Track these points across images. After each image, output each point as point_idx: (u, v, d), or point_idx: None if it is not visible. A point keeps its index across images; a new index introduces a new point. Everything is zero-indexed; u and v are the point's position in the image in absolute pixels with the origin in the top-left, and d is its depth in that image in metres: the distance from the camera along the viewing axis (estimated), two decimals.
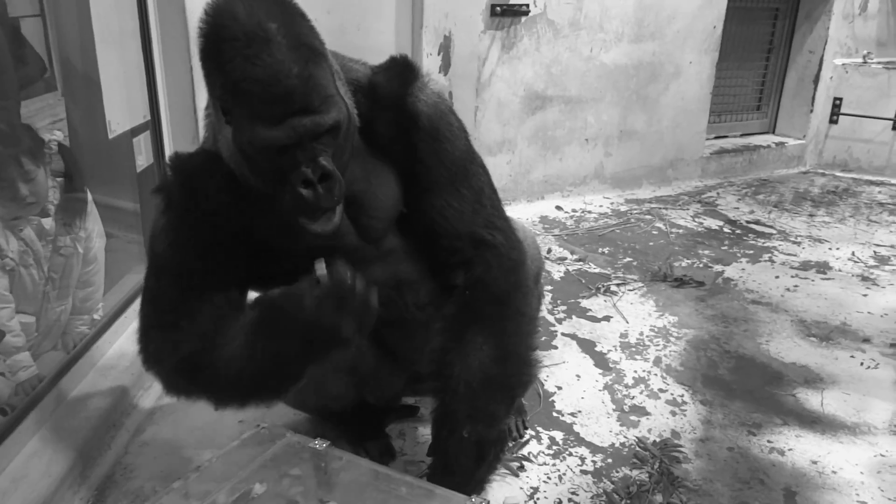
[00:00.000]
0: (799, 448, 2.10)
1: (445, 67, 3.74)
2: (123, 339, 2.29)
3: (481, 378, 1.61)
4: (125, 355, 2.21)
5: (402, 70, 1.64)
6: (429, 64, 3.61)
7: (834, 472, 2.00)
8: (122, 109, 2.38)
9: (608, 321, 2.87)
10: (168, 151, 2.68)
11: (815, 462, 2.04)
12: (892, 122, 5.22)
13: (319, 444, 1.64)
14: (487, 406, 1.62)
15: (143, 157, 2.54)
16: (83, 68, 2.19)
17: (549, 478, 1.93)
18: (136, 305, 2.39)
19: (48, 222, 1.99)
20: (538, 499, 1.83)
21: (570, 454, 2.04)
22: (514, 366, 1.66)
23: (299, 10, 1.45)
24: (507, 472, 1.95)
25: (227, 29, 1.37)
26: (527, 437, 2.09)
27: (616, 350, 2.64)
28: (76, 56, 2.16)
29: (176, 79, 2.61)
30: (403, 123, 1.59)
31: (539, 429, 2.15)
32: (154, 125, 2.60)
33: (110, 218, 2.29)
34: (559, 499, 1.84)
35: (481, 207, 1.69)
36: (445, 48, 3.69)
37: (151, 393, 2.23)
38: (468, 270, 1.66)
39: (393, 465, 1.95)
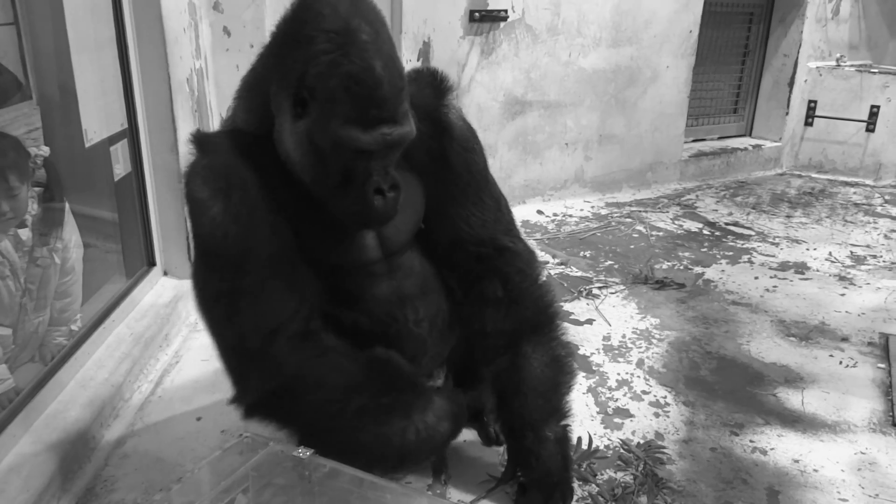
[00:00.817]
0: (781, 447, 2.12)
1: None
2: (102, 350, 2.26)
3: (545, 381, 1.72)
4: (104, 367, 2.18)
5: (433, 82, 1.69)
6: (408, 70, 3.61)
7: (815, 471, 2.02)
8: (98, 118, 2.35)
9: (590, 324, 2.88)
10: (146, 160, 2.65)
11: (796, 461, 2.06)
12: (865, 124, 5.31)
13: (303, 453, 1.63)
14: (556, 404, 1.75)
15: (120, 166, 2.52)
16: (59, 77, 2.17)
17: None
18: (115, 315, 2.38)
19: (25, 233, 1.96)
20: None
21: None
22: (564, 364, 1.78)
23: (384, 20, 1.46)
24: None
25: (326, 19, 1.36)
26: None
27: (599, 353, 2.65)
28: (51, 64, 2.14)
29: (153, 87, 2.59)
30: (436, 134, 1.60)
31: None
32: (132, 134, 2.57)
33: (88, 228, 2.27)
34: None
35: (501, 215, 1.77)
36: (425, 54, 3.70)
37: (132, 404, 2.20)
38: (505, 281, 1.73)
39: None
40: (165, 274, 2.82)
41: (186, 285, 2.77)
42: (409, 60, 3.65)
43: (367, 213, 1.46)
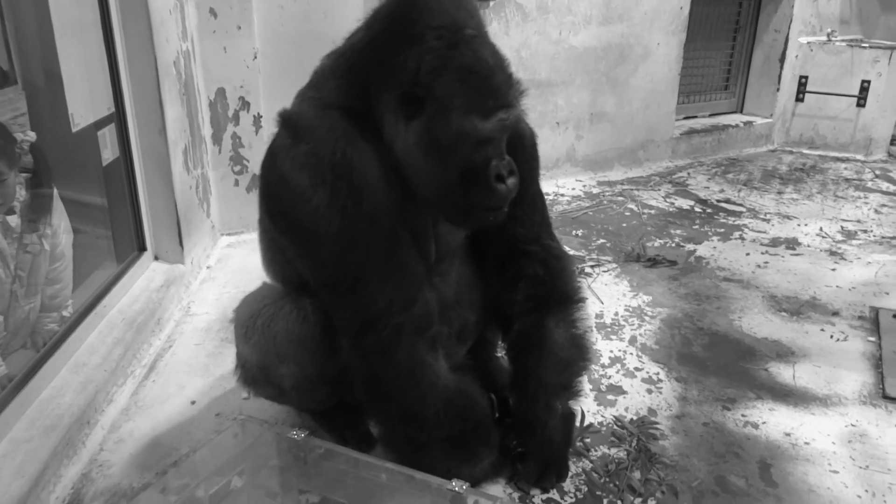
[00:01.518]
0: (772, 421, 2.14)
1: None
2: (95, 335, 2.26)
3: (565, 350, 1.77)
4: (97, 352, 2.18)
5: None
6: None
7: (807, 444, 2.04)
8: (85, 102, 2.33)
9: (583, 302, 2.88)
10: (134, 145, 2.63)
11: (788, 434, 2.08)
12: (856, 99, 5.31)
13: (298, 435, 1.64)
14: (570, 380, 1.80)
15: (108, 151, 2.50)
16: (43, 61, 2.14)
17: None
18: (107, 300, 2.37)
19: (13, 220, 1.95)
20: (518, 480, 1.84)
21: None
22: (583, 345, 1.84)
23: (479, 9, 1.48)
24: None
25: (433, 16, 1.38)
26: None
27: (592, 331, 2.66)
28: (35, 48, 2.11)
29: (140, 70, 2.56)
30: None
31: None
32: (119, 118, 2.55)
33: (77, 213, 2.25)
34: None
35: (546, 216, 1.84)
36: None
37: (126, 389, 2.20)
38: (544, 263, 1.78)
39: (372, 452, 1.94)
40: (156, 258, 2.81)
41: (178, 270, 2.78)
42: None
43: (493, 200, 1.49)
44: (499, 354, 2.26)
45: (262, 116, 3.35)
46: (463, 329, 1.82)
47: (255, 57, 3.26)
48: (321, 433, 1.92)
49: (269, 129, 3.51)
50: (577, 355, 1.82)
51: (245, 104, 3.30)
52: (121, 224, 2.63)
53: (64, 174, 2.22)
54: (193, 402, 2.15)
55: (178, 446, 1.95)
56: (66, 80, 2.21)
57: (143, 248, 2.75)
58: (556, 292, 1.80)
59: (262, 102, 3.34)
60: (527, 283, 1.78)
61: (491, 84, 1.41)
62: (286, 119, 1.52)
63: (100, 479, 1.82)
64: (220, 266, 3.16)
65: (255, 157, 3.40)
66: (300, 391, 1.80)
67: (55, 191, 2.15)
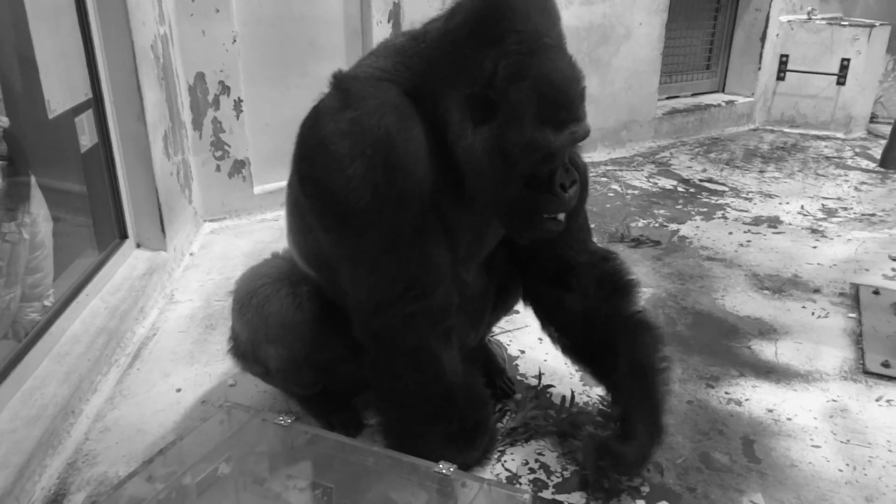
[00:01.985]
0: (755, 398, 2.17)
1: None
2: (77, 324, 2.24)
3: (651, 337, 1.84)
4: (80, 341, 2.16)
5: None
6: (378, 32, 3.55)
7: (789, 419, 2.06)
8: (61, 88, 2.29)
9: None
10: (113, 131, 2.59)
11: (770, 410, 2.11)
12: (836, 78, 5.33)
13: (284, 421, 1.63)
14: (662, 361, 1.83)
15: (86, 137, 2.46)
16: (17, 46, 2.10)
17: (515, 439, 1.95)
18: (89, 289, 2.35)
19: None
20: (505, 461, 1.86)
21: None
22: (659, 331, 1.88)
23: (560, 15, 1.46)
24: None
25: (516, 20, 1.35)
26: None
27: None
28: (9, 34, 2.08)
29: (117, 54, 2.52)
30: None
31: None
32: (97, 103, 2.51)
33: (56, 201, 2.22)
34: (526, 459, 1.87)
35: (590, 233, 1.90)
36: (395, 15, 3.64)
37: (110, 378, 2.19)
38: (605, 260, 1.85)
39: (359, 436, 1.94)
40: (138, 246, 2.79)
41: (160, 257, 2.76)
42: (378, 22, 3.58)
43: (555, 207, 1.48)
44: (489, 337, 2.27)
45: (242, 101, 3.31)
46: (465, 337, 1.83)
47: (235, 40, 3.22)
48: (308, 419, 1.92)
49: (250, 113, 3.49)
50: (659, 340, 1.84)
51: (225, 88, 3.26)
52: (101, 212, 2.60)
53: (41, 161, 2.19)
54: (179, 390, 2.14)
55: (164, 434, 1.94)
56: (42, 65, 2.17)
57: (124, 236, 2.72)
58: (623, 279, 1.84)
59: (242, 87, 3.30)
60: (593, 279, 1.81)
61: (566, 97, 1.40)
62: (339, 80, 1.48)
63: (85, 468, 1.82)
64: (203, 253, 3.13)
65: (237, 142, 3.37)
66: (285, 374, 1.82)
67: (33, 178, 2.11)
